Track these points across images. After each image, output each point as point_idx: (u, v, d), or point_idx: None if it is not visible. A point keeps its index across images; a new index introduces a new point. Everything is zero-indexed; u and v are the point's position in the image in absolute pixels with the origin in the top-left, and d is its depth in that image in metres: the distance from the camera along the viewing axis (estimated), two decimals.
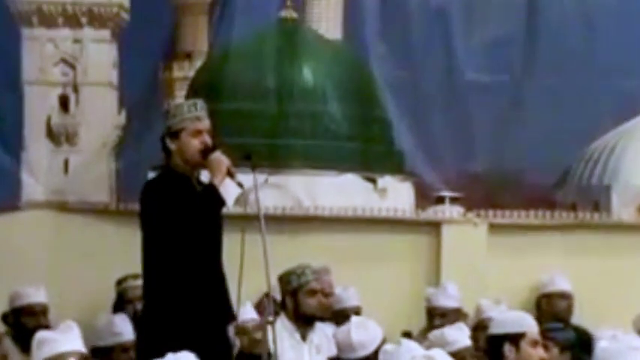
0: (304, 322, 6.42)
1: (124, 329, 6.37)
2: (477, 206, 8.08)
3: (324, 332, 6.50)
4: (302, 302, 6.37)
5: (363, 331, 5.78)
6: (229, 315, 5.55)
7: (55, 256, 7.69)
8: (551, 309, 7.73)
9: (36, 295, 6.90)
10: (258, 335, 5.77)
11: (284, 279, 6.43)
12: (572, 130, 8.37)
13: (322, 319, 6.53)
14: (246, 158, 5.54)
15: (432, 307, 7.39)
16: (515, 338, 5.33)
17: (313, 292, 6.41)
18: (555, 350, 6.35)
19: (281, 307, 6.48)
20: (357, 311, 7.12)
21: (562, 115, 8.35)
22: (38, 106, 8.26)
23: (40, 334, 5.16)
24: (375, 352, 5.59)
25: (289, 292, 6.40)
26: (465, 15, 8.36)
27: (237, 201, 7.35)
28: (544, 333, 6.07)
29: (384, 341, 5.72)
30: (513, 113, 8.37)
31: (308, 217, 7.99)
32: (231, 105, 8.48)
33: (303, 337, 6.45)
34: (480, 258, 7.88)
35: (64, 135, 8.26)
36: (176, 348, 4.65)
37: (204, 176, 5.58)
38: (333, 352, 6.15)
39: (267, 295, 5.64)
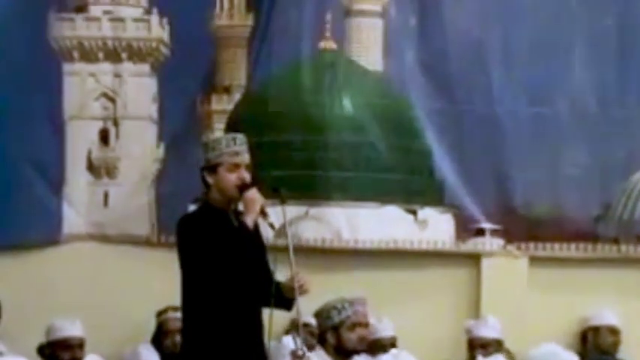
0: (344, 356, 6.42)
1: (150, 359, 6.33)
2: (518, 239, 8.04)
3: None
4: (344, 337, 6.37)
5: None
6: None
7: (95, 289, 7.72)
8: (598, 343, 7.67)
9: (72, 329, 6.93)
10: None
11: (324, 314, 6.41)
12: (614, 162, 8.29)
13: (361, 352, 6.53)
14: (275, 191, 5.53)
15: (472, 338, 7.42)
16: None
17: (354, 326, 6.41)
18: None
19: (318, 341, 6.47)
20: (393, 342, 7.09)
21: (603, 147, 8.28)
22: (79, 140, 8.29)
23: None
24: None
25: (330, 327, 6.39)
26: (503, 46, 8.32)
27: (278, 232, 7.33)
28: None
29: None
30: (553, 145, 8.31)
31: (347, 249, 7.97)
32: (270, 137, 8.47)
33: None
34: (520, 291, 7.82)
35: (104, 168, 8.28)
36: None
37: (241, 206, 5.57)
38: None
39: (297, 326, 5.61)
